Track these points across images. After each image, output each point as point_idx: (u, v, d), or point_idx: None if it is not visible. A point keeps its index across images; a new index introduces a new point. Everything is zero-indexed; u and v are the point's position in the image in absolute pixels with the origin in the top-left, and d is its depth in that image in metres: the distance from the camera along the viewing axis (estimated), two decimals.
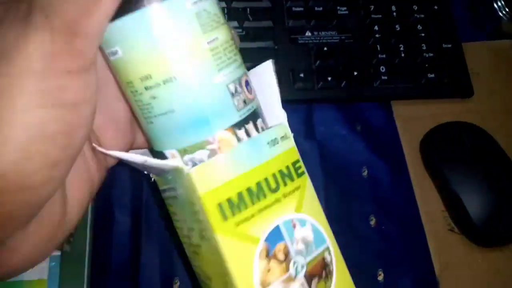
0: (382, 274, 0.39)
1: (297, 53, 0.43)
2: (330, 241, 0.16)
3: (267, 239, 0.15)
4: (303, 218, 0.16)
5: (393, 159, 0.43)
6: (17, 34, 0.15)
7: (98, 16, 0.16)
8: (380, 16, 0.45)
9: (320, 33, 0.44)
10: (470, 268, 0.39)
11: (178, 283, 0.37)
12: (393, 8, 0.45)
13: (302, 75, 0.42)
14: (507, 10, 0.47)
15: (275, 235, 0.14)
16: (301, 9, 0.45)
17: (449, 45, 0.44)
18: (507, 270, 0.39)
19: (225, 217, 0.15)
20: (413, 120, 0.44)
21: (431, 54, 0.44)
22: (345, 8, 0.45)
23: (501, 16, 0.48)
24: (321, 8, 0.45)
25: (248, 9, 0.43)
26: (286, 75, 0.42)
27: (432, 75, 0.43)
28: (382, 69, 0.43)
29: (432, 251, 0.39)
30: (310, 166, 0.39)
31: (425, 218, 0.40)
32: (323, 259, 0.15)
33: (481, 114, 0.43)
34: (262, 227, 0.14)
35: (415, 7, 0.45)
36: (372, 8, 0.45)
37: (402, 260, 0.39)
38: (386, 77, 0.43)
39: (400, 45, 0.44)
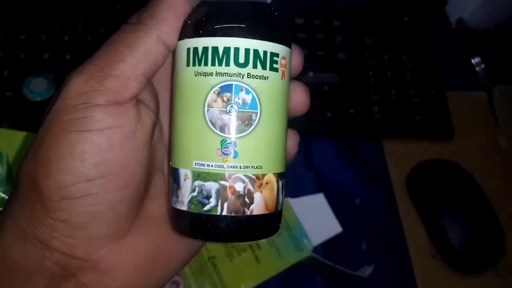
0: None
1: None
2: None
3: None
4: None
5: (383, 190, 0.47)
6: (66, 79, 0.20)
7: (128, 62, 0.20)
8: (374, 63, 0.51)
9: (321, 74, 0.49)
10: None
11: None
12: (386, 57, 0.51)
13: None
14: (482, 66, 0.54)
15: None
16: (305, 52, 0.50)
17: (434, 92, 0.50)
18: None
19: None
20: (401, 157, 0.48)
21: (418, 99, 0.49)
22: (343, 54, 0.50)
23: (477, 71, 0.54)
24: (322, 53, 0.50)
25: None
26: None
27: (419, 117, 0.48)
28: (375, 109, 0.48)
29: (417, 276, 0.43)
30: (308, 192, 0.44)
31: (410, 245, 0.44)
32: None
33: (460, 154, 0.48)
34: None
35: (405, 57, 0.51)
36: (367, 56, 0.51)
37: (390, 283, 0.43)
38: (378, 116, 0.48)
39: (391, 90, 0.49)
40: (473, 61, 0.54)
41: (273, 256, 0.39)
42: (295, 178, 0.46)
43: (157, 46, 0.20)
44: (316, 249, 0.41)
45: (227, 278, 0.37)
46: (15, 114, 0.36)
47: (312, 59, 0.50)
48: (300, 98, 0.24)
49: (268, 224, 0.22)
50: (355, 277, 0.41)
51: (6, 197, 0.30)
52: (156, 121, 0.22)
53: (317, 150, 0.48)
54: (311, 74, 0.49)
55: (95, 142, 0.19)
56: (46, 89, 0.32)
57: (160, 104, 0.23)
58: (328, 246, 0.43)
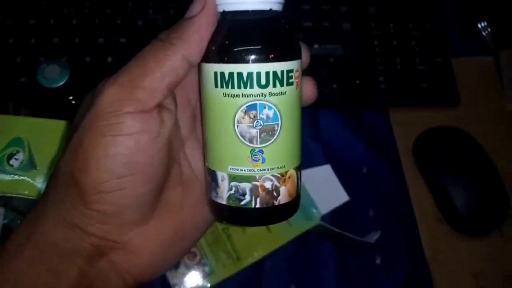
0: (380, 259, 0.44)
1: None
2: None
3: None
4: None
5: (390, 159, 0.48)
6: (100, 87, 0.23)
7: (156, 76, 0.23)
8: (380, 32, 0.51)
9: (326, 46, 0.49)
10: (456, 254, 0.44)
11: None
12: (391, 25, 0.51)
13: None
14: (489, 30, 0.53)
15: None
16: (310, 24, 0.50)
17: (440, 59, 0.50)
18: (489, 256, 0.44)
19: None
20: (407, 125, 0.49)
21: (423, 67, 0.49)
22: (349, 25, 0.50)
23: (484, 36, 0.53)
24: (327, 24, 0.50)
25: None
26: None
27: (425, 85, 0.49)
28: (381, 79, 0.49)
29: (423, 240, 0.44)
30: (315, 164, 0.45)
31: (417, 211, 0.46)
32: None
33: (466, 120, 0.49)
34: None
35: (411, 25, 0.51)
36: (372, 25, 0.51)
37: (397, 247, 0.44)
38: (384, 86, 0.48)
39: (397, 58, 0.50)
40: (479, 25, 0.53)
41: (283, 226, 0.40)
42: (302, 151, 0.47)
43: (182, 64, 0.23)
44: (324, 217, 0.43)
45: (240, 247, 0.40)
46: (31, 101, 0.37)
47: (317, 30, 0.50)
48: (309, 91, 0.27)
49: (292, 207, 0.26)
50: (363, 242, 0.42)
51: (31, 181, 0.32)
52: (175, 121, 0.25)
53: (324, 122, 0.49)
54: (316, 46, 0.49)
55: (126, 145, 0.22)
56: (60, 75, 0.34)
57: (177, 103, 0.26)
58: (336, 215, 0.44)
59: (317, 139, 0.48)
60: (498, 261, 0.44)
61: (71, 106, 0.36)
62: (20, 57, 0.45)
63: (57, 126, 0.33)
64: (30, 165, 0.32)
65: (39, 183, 0.32)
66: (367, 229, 0.44)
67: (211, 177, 0.26)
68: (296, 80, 0.24)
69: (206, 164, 0.26)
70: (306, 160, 0.45)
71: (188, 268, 0.39)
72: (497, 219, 0.44)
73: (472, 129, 0.47)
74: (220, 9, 0.24)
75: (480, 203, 0.44)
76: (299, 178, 0.26)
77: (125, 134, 0.22)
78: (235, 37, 0.23)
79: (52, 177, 0.25)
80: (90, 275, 0.23)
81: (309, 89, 0.27)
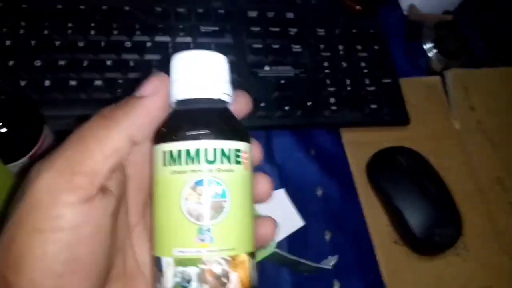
0: (338, 284, 0.42)
1: (258, 85, 0.47)
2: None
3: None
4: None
5: (343, 180, 0.48)
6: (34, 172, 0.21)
7: (97, 159, 0.21)
8: (329, 54, 0.51)
9: (277, 67, 0.49)
10: (413, 275, 0.43)
11: None
12: (340, 47, 0.51)
13: (262, 104, 0.46)
14: (435, 51, 0.55)
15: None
16: (260, 46, 0.49)
17: (389, 80, 0.51)
18: (445, 275, 0.44)
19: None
20: (359, 145, 0.49)
21: (373, 88, 0.50)
22: (299, 46, 0.50)
23: (430, 56, 0.55)
24: (278, 46, 0.50)
25: (212, 45, 0.48)
26: None
27: (375, 106, 0.49)
28: (332, 100, 0.48)
29: (380, 261, 0.44)
30: None
31: (373, 232, 0.45)
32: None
33: (417, 139, 0.49)
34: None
35: (359, 47, 0.52)
36: (322, 47, 0.51)
37: (355, 270, 0.43)
38: (335, 107, 0.48)
39: (347, 80, 0.50)
40: (424, 46, 0.55)
41: None
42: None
43: (125, 144, 0.22)
44: (281, 243, 0.41)
45: None
46: None
47: (267, 52, 0.49)
48: (263, 187, 0.26)
49: None
50: (320, 268, 0.41)
51: None
52: (119, 206, 0.23)
53: (278, 144, 0.48)
54: (267, 68, 0.49)
55: (66, 240, 0.20)
56: None
57: (129, 184, 0.24)
58: (292, 240, 0.43)
59: (271, 162, 0.47)
60: (454, 281, 0.44)
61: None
62: None
63: None
64: None
65: None
66: (324, 253, 0.43)
67: (156, 266, 0.23)
68: (245, 161, 0.24)
69: (153, 252, 0.24)
70: None
71: None
72: (451, 238, 0.44)
73: (422, 147, 0.48)
74: (174, 99, 0.24)
75: (434, 223, 0.44)
76: (253, 267, 0.24)
77: (66, 228, 0.20)
78: (184, 117, 0.24)
79: None
80: None
81: (264, 184, 0.26)
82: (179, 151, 0.23)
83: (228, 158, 0.23)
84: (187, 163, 0.22)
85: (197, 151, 0.23)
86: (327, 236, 0.45)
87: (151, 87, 0.23)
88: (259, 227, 0.25)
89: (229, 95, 0.24)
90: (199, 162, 0.22)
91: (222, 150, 0.23)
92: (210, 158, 0.23)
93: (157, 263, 0.23)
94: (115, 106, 0.22)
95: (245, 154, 0.24)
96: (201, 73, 0.24)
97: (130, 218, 0.25)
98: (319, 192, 0.47)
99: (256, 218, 0.25)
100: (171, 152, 0.23)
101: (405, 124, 0.50)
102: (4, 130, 0.33)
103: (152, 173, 0.24)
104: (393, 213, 0.45)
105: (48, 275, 0.20)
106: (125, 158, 0.22)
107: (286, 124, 0.48)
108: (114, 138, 0.21)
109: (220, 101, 0.24)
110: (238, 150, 0.24)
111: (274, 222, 0.26)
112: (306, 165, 0.48)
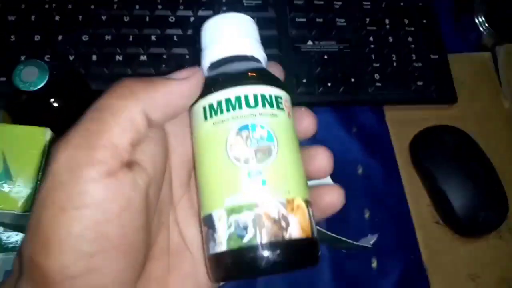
0: (376, 262, 0.43)
1: (300, 60, 0.47)
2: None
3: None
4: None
5: (385, 159, 0.47)
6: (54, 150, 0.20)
7: (114, 131, 0.20)
8: (375, 28, 0.49)
9: (320, 42, 0.48)
10: (453, 256, 0.43)
11: None
12: (387, 21, 0.50)
13: (304, 80, 0.46)
14: (486, 25, 0.52)
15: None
16: (304, 20, 0.48)
17: (436, 56, 0.49)
18: (486, 258, 0.43)
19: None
20: (403, 124, 0.48)
21: (420, 64, 0.48)
22: (343, 20, 0.49)
23: (482, 31, 0.52)
24: (321, 20, 0.49)
25: (255, 19, 0.47)
26: (289, 80, 0.46)
27: (421, 83, 0.47)
28: (376, 76, 0.47)
29: (420, 241, 0.43)
30: None
31: (413, 212, 0.45)
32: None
33: (463, 118, 0.48)
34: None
35: (406, 21, 0.50)
36: (367, 21, 0.49)
37: (394, 249, 0.43)
38: (379, 84, 0.47)
39: (392, 55, 0.48)
40: (476, 20, 0.52)
41: None
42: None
43: (141, 119, 0.21)
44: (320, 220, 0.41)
45: None
46: (9, 105, 0.35)
47: (311, 27, 0.48)
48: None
49: (308, 250, 0.22)
50: (359, 246, 0.41)
51: (7, 194, 0.30)
52: (152, 181, 0.21)
53: (319, 121, 0.47)
54: (310, 43, 0.48)
55: (92, 218, 0.19)
56: (38, 77, 0.31)
57: (171, 157, 0.23)
58: (331, 217, 0.43)
59: (311, 139, 0.47)
60: (495, 263, 0.43)
61: (53, 111, 0.34)
62: None
63: (36, 133, 0.31)
64: (5, 176, 0.30)
65: (16, 195, 0.30)
66: (363, 231, 0.43)
67: (208, 225, 0.22)
68: (287, 109, 0.23)
69: (202, 214, 0.23)
70: None
71: None
72: (495, 220, 0.43)
73: (469, 127, 0.46)
74: (207, 64, 0.24)
75: (479, 204, 0.43)
76: (311, 215, 0.22)
77: (90, 205, 0.19)
78: (220, 74, 0.23)
79: (16, 262, 0.21)
80: None
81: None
82: (219, 102, 0.22)
83: (271, 103, 0.22)
84: (228, 111, 0.22)
85: (238, 98, 0.22)
86: (366, 215, 0.44)
87: (182, 74, 0.23)
88: (326, 194, 0.24)
89: (261, 53, 0.24)
90: (241, 108, 0.22)
91: (263, 96, 0.22)
92: (252, 103, 0.22)
93: (207, 221, 0.22)
94: (137, 78, 0.21)
95: (287, 102, 0.23)
96: (231, 34, 0.24)
97: (174, 192, 0.24)
98: (360, 170, 0.46)
99: (322, 186, 0.25)
100: (211, 104, 0.22)
101: (452, 102, 0.48)
102: (56, 104, 0.35)
103: (193, 133, 0.23)
104: (436, 194, 0.44)
105: (78, 256, 0.19)
106: (143, 135, 0.21)
107: (328, 100, 0.47)
108: (129, 109, 0.20)
109: (253, 58, 0.24)
110: (279, 97, 0.23)
111: (341, 191, 0.25)
112: (348, 143, 0.47)
